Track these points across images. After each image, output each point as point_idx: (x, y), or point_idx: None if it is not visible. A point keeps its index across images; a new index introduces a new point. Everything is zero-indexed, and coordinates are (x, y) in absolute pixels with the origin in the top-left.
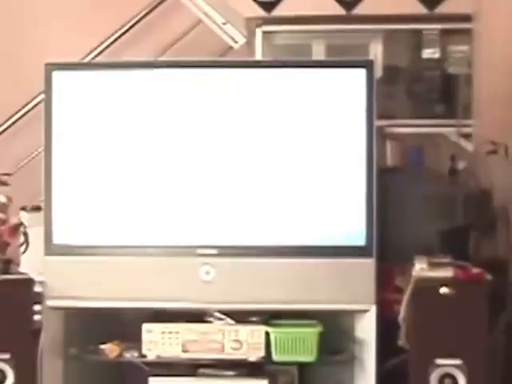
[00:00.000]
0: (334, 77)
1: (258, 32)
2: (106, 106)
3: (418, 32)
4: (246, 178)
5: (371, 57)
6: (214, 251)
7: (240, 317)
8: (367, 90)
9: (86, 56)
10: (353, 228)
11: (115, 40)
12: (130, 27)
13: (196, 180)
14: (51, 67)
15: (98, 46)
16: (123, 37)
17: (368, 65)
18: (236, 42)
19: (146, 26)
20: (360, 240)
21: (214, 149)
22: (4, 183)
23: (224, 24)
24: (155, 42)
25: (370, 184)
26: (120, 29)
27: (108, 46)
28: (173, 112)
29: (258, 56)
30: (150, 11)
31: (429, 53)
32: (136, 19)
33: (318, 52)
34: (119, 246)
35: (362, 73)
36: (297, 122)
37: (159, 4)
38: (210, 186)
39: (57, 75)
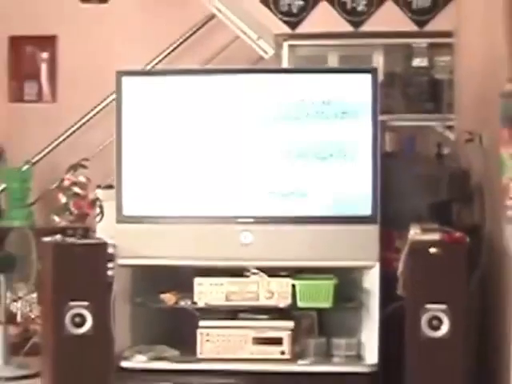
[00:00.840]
0: (346, 80)
1: (285, 45)
2: (164, 103)
3: (410, 45)
4: (277, 160)
5: (374, 65)
6: (252, 220)
7: (272, 272)
8: (372, 91)
9: (148, 64)
10: (361, 201)
11: (171, 51)
12: (183, 41)
13: (237, 162)
14: (121, 74)
15: (157, 56)
16: (177, 49)
17: (373, 71)
18: (266, 54)
19: (195, 40)
20: (367, 210)
21: (253, 135)
22: (84, 166)
23: (257, 39)
24: (202, 54)
25: (375, 166)
26: (174, 42)
27: (165, 56)
28: (217, 107)
29: (285, 65)
30: (198, 29)
31: (419, 62)
32: (187, 35)
33: (333, 61)
34: (175, 216)
35: (368, 77)
36: (316, 116)
37: (205, 23)
38: (248, 167)
39: (125, 80)
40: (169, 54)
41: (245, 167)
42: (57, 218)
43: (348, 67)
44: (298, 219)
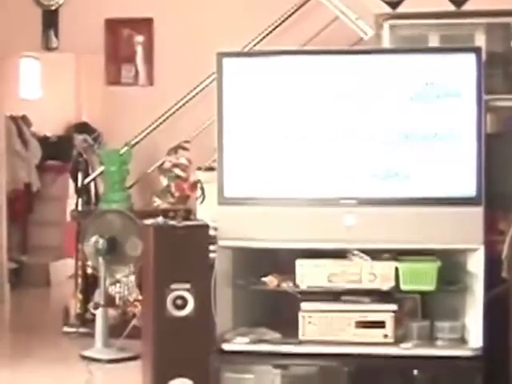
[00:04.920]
0: (449, 61)
1: (385, 26)
2: (265, 84)
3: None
4: (380, 142)
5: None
6: (355, 202)
7: (375, 254)
8: (477, 71)
9: (246, 46)
10: (466, 183)
11: (270, 32)
12: (282, 22)
13: (340, 144)
14: (222, 55)
15: (257, 37)
16: (276, 29)
17: (477, 50)
18: (366, 34)
19: (294, 21)
20: (471, 192)
21: (355, 116)
22: (185, 148)
23: (356, 19)
24: (301, 34)
25: (480, 147)
26: (274, 23)
27: (264, 37)
28: (318, 88)
29: (385, 45)
30: (297, 9)
31: None
32: (286, 16)
33: (433, 41)
34: (277, 198)
35: (472, 57)
36: (418, 98)
37: (304, 3)
38: (351, 148)
39: (226, 61)
40: (268, 34)
41: (348, 149)
42: (158, 201)
43: (452, 47)
44: (401, 201)
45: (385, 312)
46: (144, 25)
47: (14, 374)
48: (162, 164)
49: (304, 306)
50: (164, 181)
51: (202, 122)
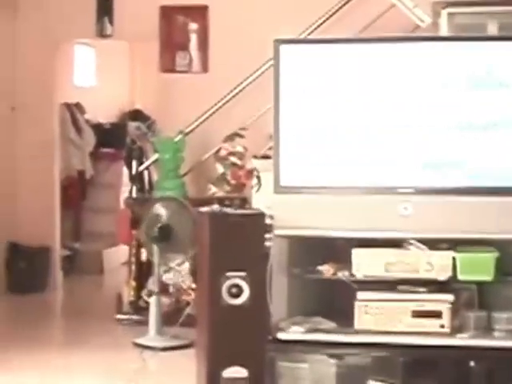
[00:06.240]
0: (509, 48)
1: (443, 13)
2: (322, 72)
3: None
4: (437, 130)
5: None
6: (412, 190)
7: (432, 244)
8: None
9: (302, 33)
10: None
11: (326, 19)
12: (338, 9)
13: (396, 132)
14: (279, 42)
15: (313, 24)
16: (333, 16)
17: None
18: (423, 22)
19: (350, 8)
20: None
21: (411, 104)
22: (241, 136)
23: (414, 7)
24: (357, 22)
25: None
26: (330, 10)
27: (320, 24)
28: (374, 76)
29: (443, 33)
30: None
31: None
32: (343, 2)
33: (492, 29)
34: (333, 187)
35: None
36: (477, 86)
37: None
38: (408, 137)
39: (283, 48)
40: (324, 21)
41: (404, 137)
42: (213, 188)
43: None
44: (458, 190)
45: (441, 302)
46: (199, 12)
47: (68, 361)
48: (217, 151)
49: (360, 295)
50: (220, 168)
51: (257, 109)
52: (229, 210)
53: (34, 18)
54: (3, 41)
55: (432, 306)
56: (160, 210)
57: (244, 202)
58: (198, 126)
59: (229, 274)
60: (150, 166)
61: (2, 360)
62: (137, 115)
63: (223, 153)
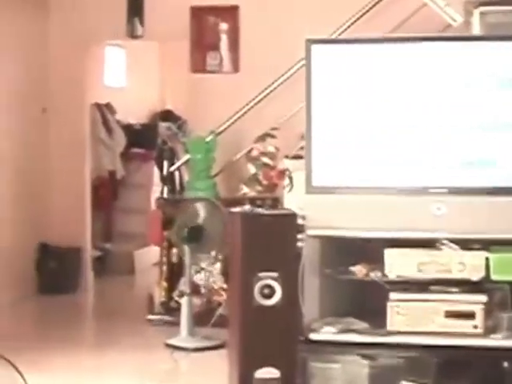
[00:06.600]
0: None
1: (476, 12)
2: (354, 71)
3: None
4: (470, 130)
5: None
6: (445, 191)
7: (464, 244)
8: None
9: (334, 32)
10: None
11: (358, 19)
12: (370, 8)
13: (428, 132)
14: (310, 42)
15: (344, 23)
16: (364, 16)
17: None
18: (455, 21)
19: (382, 7)
20: None
21: (443, 104)
22: (273, 136)
23: (445, 6)
24: (389, 21)
25: None
26: (361, 9)
27: (351, 23)
28: (407, 75)
29: (475, 32)
30: None
31: None
32: (374, 2)
33: None
34: (365, 187)
35: None
36: (508, 85)
37: None
38: (440, 137)
39: (315, 48)
40: (355, 21)
41: (436, 137)
42: (245, 189)
43: None
44: (491, 190)
45: (474, 303)
46: (229, 12)
47: (99, 362)
48: (249, 152)
49: (393, 295)
50: (252, 169)
51: (288, 109)
52: (261, 211)
53: (65, 19)
54: (35, 42)
55: (465, 306)
56: (191, 210)
57: (276, 202)
58: (229, 126)
59: (261, 274)
60: (181, 166)
61: (34, 361)
62: (167, 115)
63: (255, 153)
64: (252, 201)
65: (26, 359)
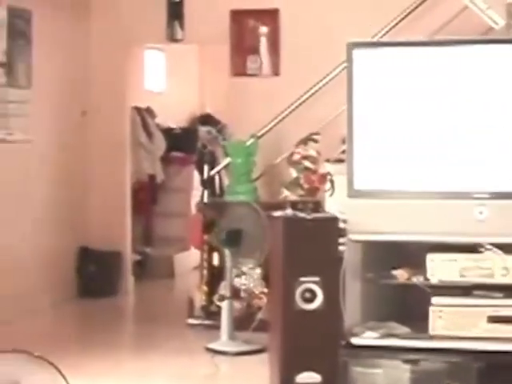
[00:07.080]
0: None
1: None
2: (395, 75)
3: None
4: None
5: None
6: (487, 195)
7: (508, 248)
8: None
9: (375, 36)
10: None
11: (399, 22)
12: (410, 12)
13: (471, 136)
14: (352, 45)
15: (385, 26)
16: (405, 19)
17: None
18: (497, 24)
19: (422, 10)
20: None
21: (486, 107)
22: (314, 140)
23: (487, 9)
24: (429, 24)
25: None
26: (402, 12)
27: (392, 27)
28: (448, 78)
29: None
30: None
31: None
32: (415, 5)
33: None
34: (408, 191)
35: None
36: None
37: None
38: (483, 141)
39: (356, 52)
40: (396, 24)
41: (480, 141)
42: (287, 192)
43: None
44: None
45: None
46: (269, 15)
47: (139, 366)
48: (290, 155)
49: (435, 300)
50: (293, 172)
51: (329, 112)
52: (302, 215)
53: (106, 22)
54: (76, 45)
55: (508, 311)
56: (232, 214)
57: (317, 205)
58: (270, 129)
59: (302, 278)
60: (221, 170)
61: (75, 365)
62: (207, 119)
63: (296, 157)
64: (293, 204)
65: (68, 363)
